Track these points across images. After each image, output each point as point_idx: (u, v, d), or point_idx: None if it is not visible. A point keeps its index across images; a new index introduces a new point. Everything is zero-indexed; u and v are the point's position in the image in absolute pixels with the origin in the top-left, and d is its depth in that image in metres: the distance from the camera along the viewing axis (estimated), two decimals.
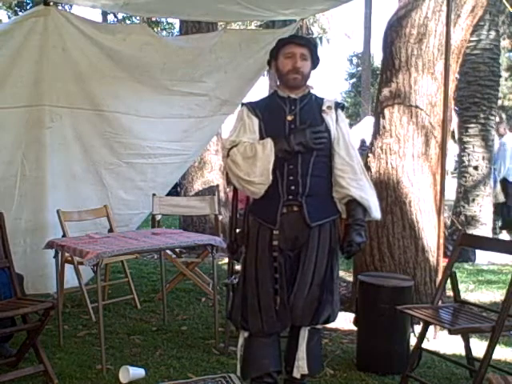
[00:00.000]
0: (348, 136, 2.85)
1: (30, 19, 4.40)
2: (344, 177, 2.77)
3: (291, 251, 2.80)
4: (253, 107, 2.86)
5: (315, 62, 2.86)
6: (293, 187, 2.75)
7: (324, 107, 2.82)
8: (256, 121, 2.82)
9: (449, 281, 3.40)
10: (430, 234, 4.42)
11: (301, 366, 2.85)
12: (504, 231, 8.50)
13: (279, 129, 2.77)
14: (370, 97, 24.17)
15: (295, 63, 2.76)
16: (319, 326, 2.89)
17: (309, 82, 2.88)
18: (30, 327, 3.27)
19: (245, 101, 3.14)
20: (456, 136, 8.56)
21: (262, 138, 2.79)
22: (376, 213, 2.84)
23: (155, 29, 17.15)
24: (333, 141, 2.79)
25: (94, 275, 3.63)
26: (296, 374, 2.88)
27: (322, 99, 2.88)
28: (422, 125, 4.50)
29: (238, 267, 3.33)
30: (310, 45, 2.83)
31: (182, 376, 3.37)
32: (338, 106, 2.88)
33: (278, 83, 2.90)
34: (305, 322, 2.82)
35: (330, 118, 2.81)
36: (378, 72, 19.41)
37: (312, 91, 2.89)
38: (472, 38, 7.15)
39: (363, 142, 11.48)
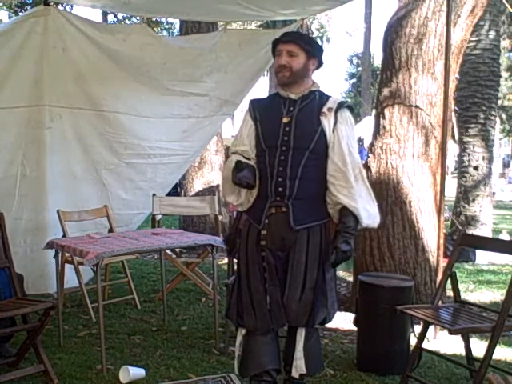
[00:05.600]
0: (347, 140, 2.73)
1: (30, 19, 4.41)
2: (335, 184, 2.71)
3: (281, 251, 2.79)
4: (253, 108, 2.86)
5: (312, 55, 2.77)
6: (280, 189, 2.74)
7: (324, 109, 2.75)
8: (252, 125, 2.83)
9: (449, 281, 3.40)
10: (430, 234, 4.42)
11: (299, 366, 2.82)
12: (504, 231, 8.49)
13: (274, 131, 2.75)
14: (370, 97, 24.18)
15: (280, 61, 2.75)
16: (317, 326, 2.87)
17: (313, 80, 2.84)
18: (30, 327, 3.27)
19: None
20: (456, 136, 8.55)
21: (258, 139, 2.81)
22: (368, 221, 2.73)
23: (155, 29, 17.14)
24: (328, 145, 2.73)
25: (94, 275, 3.64)
26: (294, 373, 2.86)
27: (327, 98, 2.80)
28: (422, 125, 4.50)
29: None
30: (297, 40, 2.74)
31: (182, 376, 3.37)
32: (341, 106, 2.77)
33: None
34: (300, 324, 2.80)
35: (327, 121, 2.73)
36: (377, 72, 19.41)
37: (317, 89, 2.82)
38: (472, 38, 7.15)
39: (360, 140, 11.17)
